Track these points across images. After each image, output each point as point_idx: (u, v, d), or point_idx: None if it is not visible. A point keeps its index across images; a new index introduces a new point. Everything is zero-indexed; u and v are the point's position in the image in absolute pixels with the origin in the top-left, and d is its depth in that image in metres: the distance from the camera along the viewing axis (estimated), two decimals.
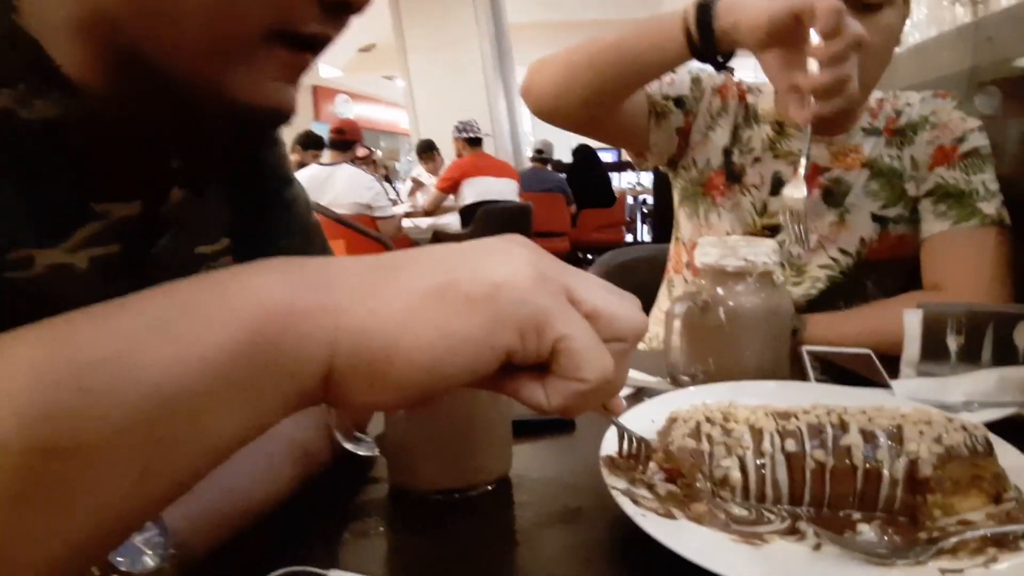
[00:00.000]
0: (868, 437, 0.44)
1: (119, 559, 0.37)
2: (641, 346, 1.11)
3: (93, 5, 0.38)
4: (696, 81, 1.04)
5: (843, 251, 0.96)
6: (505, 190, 4.43)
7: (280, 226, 0.59)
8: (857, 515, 0.44)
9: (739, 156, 1.01)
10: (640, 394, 0.70)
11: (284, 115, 0.42)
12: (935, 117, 0.96)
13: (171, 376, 0.25)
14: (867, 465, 0.43)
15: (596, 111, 0.95)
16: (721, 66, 0.82)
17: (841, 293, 0.97)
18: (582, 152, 6.23)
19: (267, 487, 0.46)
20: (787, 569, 0.39)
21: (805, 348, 0.79)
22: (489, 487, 0.51)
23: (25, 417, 0.23)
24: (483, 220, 3.99)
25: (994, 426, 0.58)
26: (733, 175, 1.01)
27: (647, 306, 1.18)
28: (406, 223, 4.24)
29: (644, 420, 0.51)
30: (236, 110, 0.40)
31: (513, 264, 0.29)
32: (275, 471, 0.47)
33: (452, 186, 4.41)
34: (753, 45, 0.75)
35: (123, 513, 0.26)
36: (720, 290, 0.64)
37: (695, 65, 0.86)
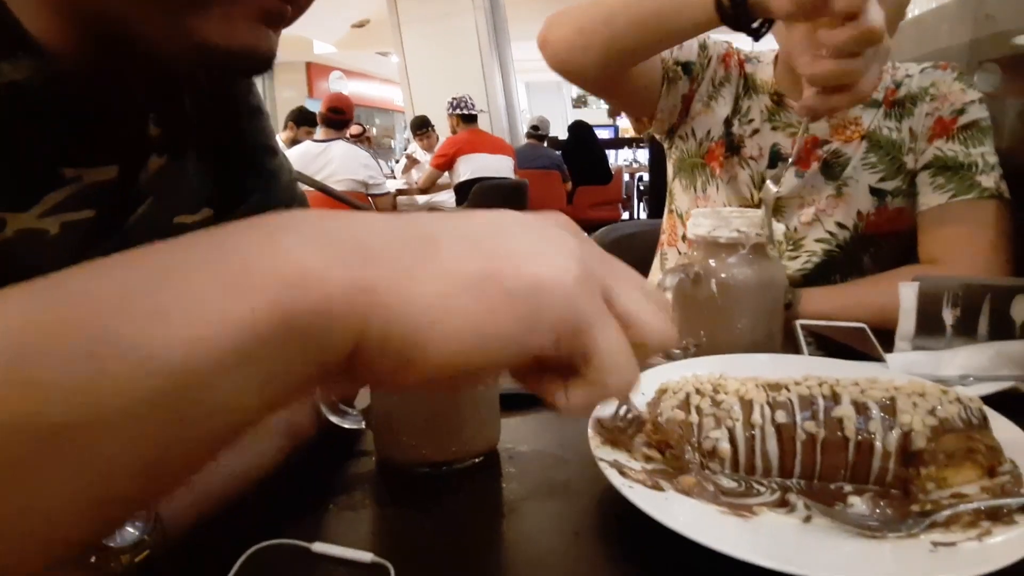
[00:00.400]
0: (860, 409, 0.43)
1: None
2: None
3: None
4: (703, 47, 1.01)
5: (840, 224, 0.95)
6: (501, 167, 4.39)
7: (263, 197, 0.57)
8: (848, 487, 0.43)
9: (738, 127, 1.00)
10: None
11: (262, 59, 0.40)
12: (934, 89, 0.94)
13: (185, 352, 0.22)
14: (859, 437, 0.43)
15: (612, 71, 0.91)
16: (757, 35, 0.76)
17: (837, 267, 0.96)
18: (578, 129, 6.18)
19: (251, 460, 0.46)
20: (776, 542, 0.38)
21: (799, 322, 0.78)
22: (477, 460, 0.51)
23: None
24: (478, 197, 3.96)
25: (990, 400, 0.57)
26: (732, 146, 1.00)
27: None
28: (401, 200, 4.21)
29: (633, 392, 0.50)
30: (211, 57, 0.38)
31: (558, 257, 0.28)
32: (259, 444, 0.46)
33: (447, 163, 4.37)
34: (780, 14, 0.68)
35: (124, 493, 0.23)
36: (712, 262, 0.63)
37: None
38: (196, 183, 0.52)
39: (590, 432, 0.46)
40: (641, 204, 7.41)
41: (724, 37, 1.03)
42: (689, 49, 1.00)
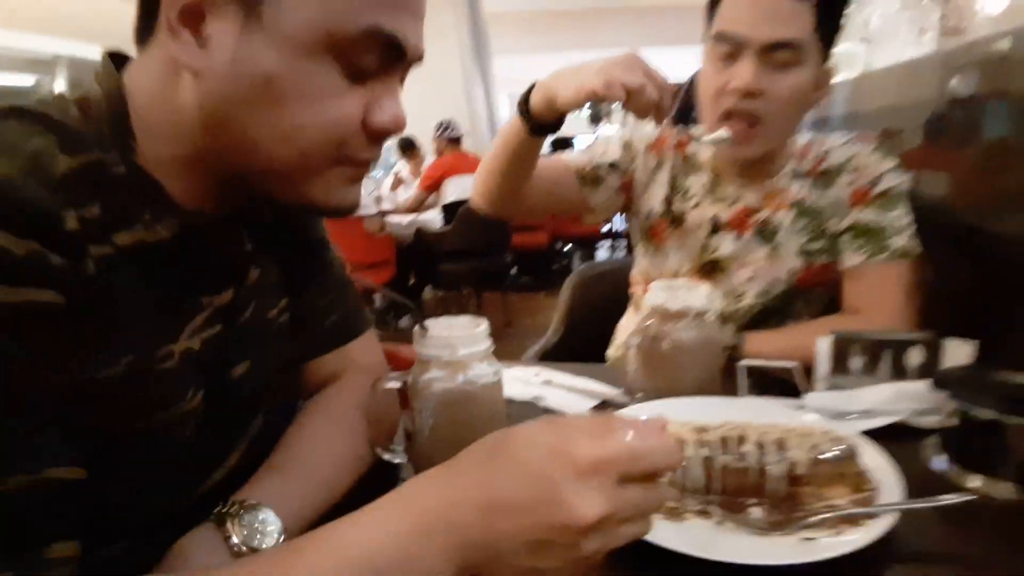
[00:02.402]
0: (761, 446, 0.62)
1: (242, 543, 0.53)
2: (610, 355, 1.30)
3: (199, 145, 0.52)
4: (627, 146, 1.23)
5: (774, 280, 1.13)
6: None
7: (323, 286, 0.74)
8: (752, 501, 0.62)
9: (680, 202, 1.19)
10: (605, 404, 0.87)
11: (351, 210, 0.58)
12: (854, 161, 1.11)
13: None
14: (759, 466, 0.61)
15: (515, 198, 1.15)
16: (551, 133, 1.04)
17: (775, 314, 1.14)
18: (559, 145, 6.38)
19: (343, 486, 0.63)
20: (698, 537, 0.57)
21: (742, 363, 0.97)
22: None
23: None
24: (464, 217, 4.15)
25: (887, 429, 0.76)
26: (675, 220, 1.19)
27: (615, 317, 1.36)
28: (390, 220, 4.38)
29: None
30: (313, 209, 0.56)
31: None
32: (350, 474, 0.64)
33: (435, 185, 4.56)
34: (573, 107, 0.96)
35: None
36: (665, 326, 0.82)
37: (626, 131, 1.12)
38: (275, 278, 0.69)
39: None
40: (621, 217, 7.60)
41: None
42: (612, 151, 1.23)
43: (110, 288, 0.47)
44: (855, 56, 4.12)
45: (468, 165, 4.71)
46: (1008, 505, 0.66)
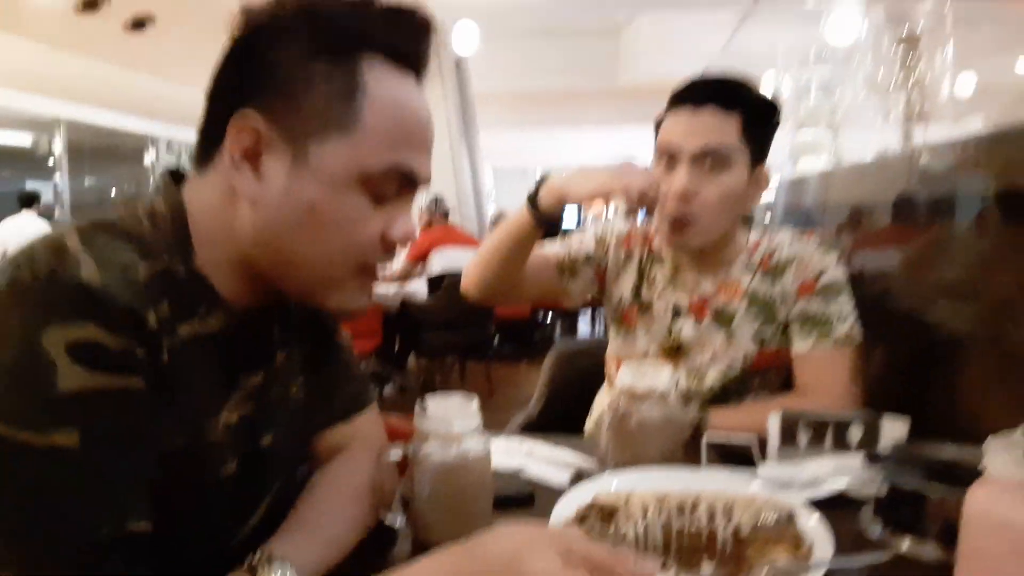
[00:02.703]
0: (711, 513, 0.73)
1: None
2: (588, 428, 1.40)
3: (248, 255, 0.65)
4: (600, 240, 1.39)
5: (732, 362, 1.25)
6: (470, 259, 4.74)
7: (334, 367, 0.85)
8: (705, 558, 0.72)
9: (647, 291, 1.33)
10: (581, 474, 0.98)
11: (363, 312, 0.70)
12: (799, 256, 1.25)
13: None
14: (709, 529, 0.72)
15: (508, 285, 1.32)
16: (557, 228, 1.20)
17: (735, 391, 1.26)
18: (551, 231, 6.60)
19: (350, 545, 0.73)
20: None
21: (706, 437, 1.07)
22: None
23: None
24: (450, 289, 4.28)
25: (832, 498, 0.87)
26: (643, 307, 1.32)
27: (593, 390, 1.48)
28: (376, 289, 4.49)
29: (573, 503, 0.80)
30: (333, 311, 0.68)
31: None
32: (357, 535, 0.74)
33: (422, 256, 4.71)
34: (577, 200, 1.15)
35: None
36: (632, 405, 0.93)
37: (598, 228, 1.31)
38: (294, 360, 0.80)
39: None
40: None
41: None
42: (587, 245, 1.38)
43: (175, 373, 0.58)
44: (822, 143, 4.39)
45: (455, 238, 4.89)
46: (932, 564, 0.76)
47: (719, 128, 1.16)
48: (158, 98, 7.10)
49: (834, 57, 4.23)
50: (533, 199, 1.19)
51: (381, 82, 0.64)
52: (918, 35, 3.83)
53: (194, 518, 0.63)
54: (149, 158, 9.33)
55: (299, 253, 0.63)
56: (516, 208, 1.24)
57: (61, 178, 8.18)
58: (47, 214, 6.42)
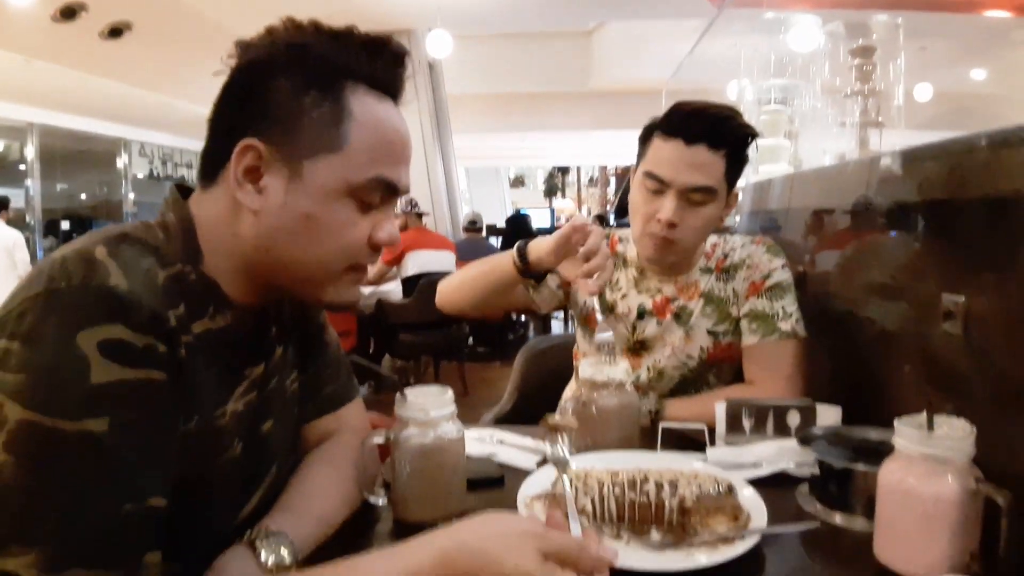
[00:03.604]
0: (659, 486, 0.82)
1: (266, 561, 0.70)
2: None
3: (251, 260, 0.73)
4: None
5: (689, 356, 1.36)
6: (444, 261, 4.84)
7: (323, 362, 0.93)
8: (653, 527, 0.82)
9: (611, 294, 1.42)
10: (545, 460, 1.07)
11: (354, 304, 0.78)
12: (750, 259, 1.36)
13: None
14: (657, 501, 0.81)
15: (479, 310, 1.45)
16: (540, 280, 1.35)
17: (692, 383, 1.37)
18: (515, 219, 6.71)
19: (338, 522, 0.81)
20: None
21: (662, 424, 1.17)
22: (455, 519, 0.86)
23: None
24: (424, 291, 4.36)
25: (773, 477, 0.97)
26: (607, 309, 1.42)
27: (562, 385, 1.57)
28: None
29: (545, 478, 0.89)
30: (328, 306, 0.76)
31: None
32: (343, 512, 0.82)
33: (397, 259, 4.78)
34: (553, 263, 1.24)
35: None
36: (593, 394, 1.03)
37: None
38: (290, 355, 0.88)
39: (520, 505, 0.84)
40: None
41: None
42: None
43: (191, 366, 0.66)
44: (782, 149, 4.54)
45: (429, 241, 4.97)
46: (859, 534, 0.86)
47: (707, 168, 1.23)
48: (130, 102, 7.07)
49: (793, 65, 4.39)
50: (523, 251, 1.27)
51: (364, 106, 0.72)
52: (873, 45, 4.00)
53: (202, 496, 0.70)
54: (121, 162, 9.29)
55: (297, 256, 0.71)
56: (499, 256, 1.34)
57: (33, 183, 8.11)
58: (17, 222, 6.37)
